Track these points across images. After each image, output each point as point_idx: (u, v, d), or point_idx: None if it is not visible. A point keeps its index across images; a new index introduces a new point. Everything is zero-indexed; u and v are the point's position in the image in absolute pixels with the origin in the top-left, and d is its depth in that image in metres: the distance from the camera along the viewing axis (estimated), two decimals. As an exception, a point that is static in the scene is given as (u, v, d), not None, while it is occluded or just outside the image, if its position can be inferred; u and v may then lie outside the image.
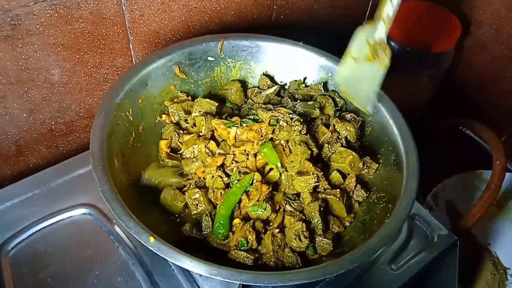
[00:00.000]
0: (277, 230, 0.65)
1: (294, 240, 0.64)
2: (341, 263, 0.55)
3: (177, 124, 0.78)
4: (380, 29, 0.69)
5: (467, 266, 0.91)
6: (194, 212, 0.69)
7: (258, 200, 0.66)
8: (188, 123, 0.78)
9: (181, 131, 0.76)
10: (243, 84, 0.84)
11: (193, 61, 0.80)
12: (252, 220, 0.66)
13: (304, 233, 0.64)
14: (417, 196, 0.64)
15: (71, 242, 0.74)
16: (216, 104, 0.77)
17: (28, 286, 0.68)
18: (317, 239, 0.66)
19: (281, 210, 0.67)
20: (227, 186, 0.69)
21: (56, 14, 0.72)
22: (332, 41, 0.84)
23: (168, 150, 0.75)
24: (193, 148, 0.73)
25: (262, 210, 0.66)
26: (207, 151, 0.72)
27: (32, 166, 0.88)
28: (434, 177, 1.09)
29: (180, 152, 0.75)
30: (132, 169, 0.71)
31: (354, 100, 0.76)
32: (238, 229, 0.64)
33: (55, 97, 0.81)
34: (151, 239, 0.55)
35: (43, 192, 0.79)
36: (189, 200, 0.69)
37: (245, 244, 0.63)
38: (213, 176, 0.69)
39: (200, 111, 0.76)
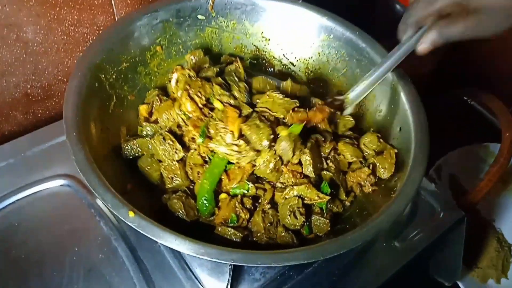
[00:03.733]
0: (268, 206, 0.59)
1: (288, 217, 0.58)
2: (342, 243, 0.50)
3: (163, 89, 0.72)
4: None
5: (471, 243, 0.86)
6: (169, 186, 0.62)
7: (239, 181, 0.59)
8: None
9: (164, 97, 0.69)
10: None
11: (181, 19, 0.73)
12: (239, 196, 0.60)
13: (300, 209, 0.58)
14: (425, 167, 0.58)
15: (48, 215, 0.68)
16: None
17: (0, 264, 0.63)
18: (313, 217, 0.60)
19: (269, 186, 0.61)
20: (206, 162, 0.62)
21: (25, -38, 0.64)
22: (329, 4, 0.77)
23: (147, 115, 0.68)
24: (165, 115, 0.66)
25: (245, 191, 0.60)
26: (182, 116, 0.64)
27: (8, 133, 0.81)
28: (437, 150, 1.03)
29: (153, 120, 0.68)
30: (113, 137, 0.65)
31: None
32: (224, 205, 0.58)
33: (29, 58, 0.74)
34: (131, 213, 0.49)
35: (18, 161, 0.73)
36: (164, 172, 0.62)
37: (235, 221, 0.57)
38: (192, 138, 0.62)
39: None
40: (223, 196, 0.60)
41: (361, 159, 0.64)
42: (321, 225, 0.59)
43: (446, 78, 1.18)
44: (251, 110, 0.63)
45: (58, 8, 0.71)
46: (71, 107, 0.57)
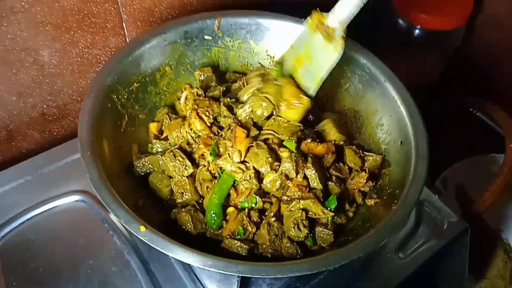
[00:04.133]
0: (273, 219, 0.61)
1: (292, 229, 0.60)
2: (344, 253, 0.52)
3: (173, 107, 0.75)
4: (331, 18, 0.62)
5: (477, 253, 0.87)
6: (179, 201, 0.65)
7: (248, 196, 0.62)
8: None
9: (174, 115, 0.72)
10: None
11: (189, 40, 0.76)
12: (246, 209, 0.62)
13: (304, 221, 0.60)
14: (426, 181, 0.60)
15: (64, 230, 0.71)
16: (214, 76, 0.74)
17: (19, 276, 0.65)
18: (317, 229, 0.62)
19: (275, 199, 0.63)
20: (214, 177, 0.65)
21: (42, -10, 0.68)
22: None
23: (157, 133, 0.71)
24: (175, 133, 0.69)
25: (253, 205, 0.62)
26: (192, 134, 0.67)
27: (25, 151, 0.85)
28: (443, 161, 1.05)
29: (162, 137, 0.71)
30: (125, 155, 0.68)
31: (300, 79, 0.69)
32: (232, 218, 0.61)
33: (45, 79, 0.78)
34: (142, 228, 0.52)
35: (35, 178, 0.76)
36: (175, 187, 0.65)
37: (242, 234, 0.60)
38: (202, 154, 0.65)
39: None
40: (230, 210, 0.62)
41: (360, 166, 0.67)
42: (324, 236, 0.61)
43: (452, 85, 1.19)
44: (258, 132, 0.66)
45: (72, 32, 0.75)
46: (85, 127, 0.60)
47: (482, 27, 1.12)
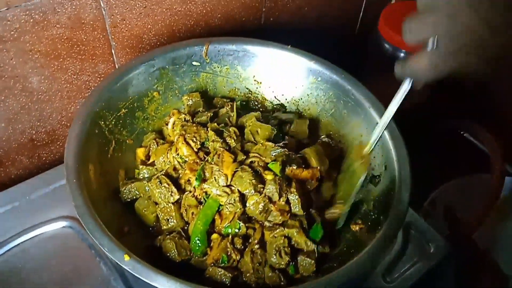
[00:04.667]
0: (257, 246, 0.61)
1: (274, 255, 0.60)
2: (326, 281, 0.52)
3: (160, 132, 0.75)
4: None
5: (466, 274, 0.87)
6: (165, 227, 0.65)
7: (231, 221, 0.62)
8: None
9: (161, 140, 0.73)
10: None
11: (177, 66, 0.77)
12: (230, 236, 0.62)
13: (286, 249, 0.61)
14: (409, 206, 0.60)
15: (51, 257, 0.71)
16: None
17: (4, 304, 0.65)
18: (299, 257, 0.62)
19: (258, 225, 0.64)
20: (200, 203, 0.65)
21: (31, 20, 0.69)
22: (321, 44, 0.81)
23: (144, 158, 0.72)
24: (162, 158, 0.70)
25: (236, 230, 0.62)
26: (178, 160, 0.68)
27: (14, 177, 0.85)
28: (432, 182, 1.05)
29: (149, 163, 0.71)
30: (111, 181, 0.68)
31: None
32: (215, 245, 0.61)
33: (34, 106, 0.78)
34: (126, 257, 0.52)
35: (23, 204, 0.76)
36: (160, 214, 0.65)
37: (226, 261, 0.60)
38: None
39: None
40: (214, 236, 0.62)
41: None
42: (307, 265, 0.61)
43: (440, 108, 1.21)
44: (245, 156, 0.67)
45: (61, 59, 0.76)
46: (72, 154, 0.61)
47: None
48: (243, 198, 0.64)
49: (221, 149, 0.67)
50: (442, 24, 0.49)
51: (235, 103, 0.77)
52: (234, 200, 0.62)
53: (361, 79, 0.77)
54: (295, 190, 0.62)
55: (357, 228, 0.64)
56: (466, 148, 1.13)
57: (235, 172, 0.64)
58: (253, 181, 0.62)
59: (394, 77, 1.08)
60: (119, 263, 0.52)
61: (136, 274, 0.51)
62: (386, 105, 0.72)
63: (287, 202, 0.63)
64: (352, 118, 0.75)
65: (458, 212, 1.02)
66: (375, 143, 0.67)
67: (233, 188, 0.64)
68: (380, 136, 0.66)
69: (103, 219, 0.56)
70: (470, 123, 1.09)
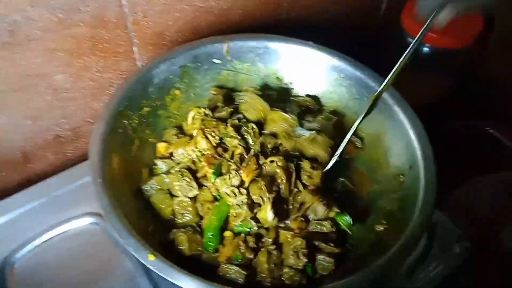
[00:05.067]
0: (273, 247, 0.61)
1: (291, 256, 0.60)
2: (353, 282, 0.52)
3: (180, 128, 0.76)
4: None
5: (489, 274, 0.86)
6: (179, 221, 0.66)
7: (243, 220, 0.62)
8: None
9: (181, 135, 0.73)
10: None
11: (199, 64, 0.77)
12: (243, 234, 0.62)
13: (303, 250, 0.60)
14: (435, 204, 0.59)
15: (77, 253, 0.72)
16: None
17: (32, 299, 0.67)
18: (318, 257, 0.62)
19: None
20: (216, 199, 0.66)
21: (55, 19, 0.69)
22: (343, 39, 0.80)
23: (165, 153, 0.72)
24: (181, 150, 0.70)
25: (248, 230, 0.62)
26: (197, 153, 0.68)
27: (40, 173, 0.87)
28: (455, 179, 1.04)
29: (167, 155, 0.72)
30: (135, 179, 0.69)
31: None
32: (228, 243, 0.61)
33: (59, 103, 0.80)
34: (151, 257, 0.52)
35: (49, 201, 0.78)
36: (177, 207, 0.66)
37: (240, 259, 0.60)
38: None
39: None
40: (228, 233, 0.63)
41: None
42: (326, 264, 0.61)
43: (466, 105, 1.19)
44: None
45: (85, 57, 0.77)
46: (96, 154, 0.61)
47: (494, 44, 1.11)
48: (252, 204, 0.63)
49: (251, 156, 0.66)
50: None
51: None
52: (242, 202, 0.62)
53: (383, 75, 0.76)
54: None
55: (382, 228, 0.64)
56: (491, 146, 1.11)
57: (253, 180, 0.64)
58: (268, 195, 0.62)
59: (417, 73, 1.07)
60: (144, 262, 0.52)
61: (161, 274, 0.51)
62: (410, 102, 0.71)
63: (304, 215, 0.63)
64: (376, 115, 0.74)
65: (482, 211, 1.00)
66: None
67: (242, 190, 0.63)
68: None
69: (128, 217, 0.57)
70: (495, 120, 1.06)
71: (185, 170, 0.67)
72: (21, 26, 0.67)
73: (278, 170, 0.64)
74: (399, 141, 0.69)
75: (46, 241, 0.72)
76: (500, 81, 1.16)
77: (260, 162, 0.66)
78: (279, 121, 0.72)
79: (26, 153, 0.82)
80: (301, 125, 0.73)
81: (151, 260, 0.52)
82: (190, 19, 0.84)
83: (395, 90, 0.71)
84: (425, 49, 1.00)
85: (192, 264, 0.54)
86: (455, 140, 1.07)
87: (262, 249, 0.61)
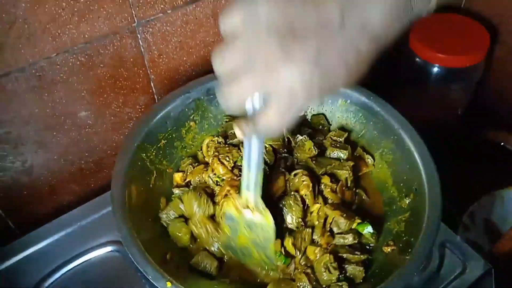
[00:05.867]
0: (309, 270, 0.64)
1: (324, 273, 0.63)
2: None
3: (195, 157, 0.80)
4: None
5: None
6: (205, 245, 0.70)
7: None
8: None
9: (196, 163, 0.78)
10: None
11: (212, 96, 0.81)
12: None
13: (333, 264, 0.63)
14: (444, 223, 0.61)
15: (100, 280, 0.75)
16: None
17: (61, 326, 0.71)
18: (347, 267, 0.65)
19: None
20: None
21: (78, 62, 0.75)
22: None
23: (182, 182, 0.77)
24: (198, 178, 0.74)
25: (281, 263, 0.66)
26: (216, 179, 0.72)
27: (65, 203, 0.92)
28: (471, 194, 1.04)
29: (184, 184, 0.76)
30: (153, 208, 0.73)
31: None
32: None
33: (83, 138, 0.85)
34: (168, 284, 0.56)
35: (75, 230, 0.82)
36: (193, 227, 0.70)
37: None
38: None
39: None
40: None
41: None
42: (356, 272, 0.64)
43: (478, 120, 1.19)
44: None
45: (106, 95, 0.82)
46: (117, 188, 0.66)
47: (502, 60, 1.12)
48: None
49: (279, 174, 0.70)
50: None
51: None
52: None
53: (393, 96, 0.78)
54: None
55: (389, 249, 0.66)
56: (506, 159, 1.11)
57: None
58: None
59: (427, 93, 1.09)
60: (162, 290, 0.56)
61: (179, 301, 0.55)
62: (416, 124, 0.73)
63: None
64: (382, 139, 0.76)
65: (498, 225, 1.00)
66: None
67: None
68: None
69: (147, 246, 0.61)
70: (508, 134, 1.07)
71: (202, 190, 0.72)
72: (47, 71, 0.73)
73: (304, 181, 0.69)
74: (405, 164, 0.71)
75: (71, 269, 0.77)
76: (508, 92, 1.17)
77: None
78: None
79: (53, 186, 0.87)
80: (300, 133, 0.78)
81: (168, 287, 0.56)
82: (203, 54, 0.89)
83: (399, 114, 0.74)
84: (435, 69, 1.02)
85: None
86: (471, 154, 1.08)
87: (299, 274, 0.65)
